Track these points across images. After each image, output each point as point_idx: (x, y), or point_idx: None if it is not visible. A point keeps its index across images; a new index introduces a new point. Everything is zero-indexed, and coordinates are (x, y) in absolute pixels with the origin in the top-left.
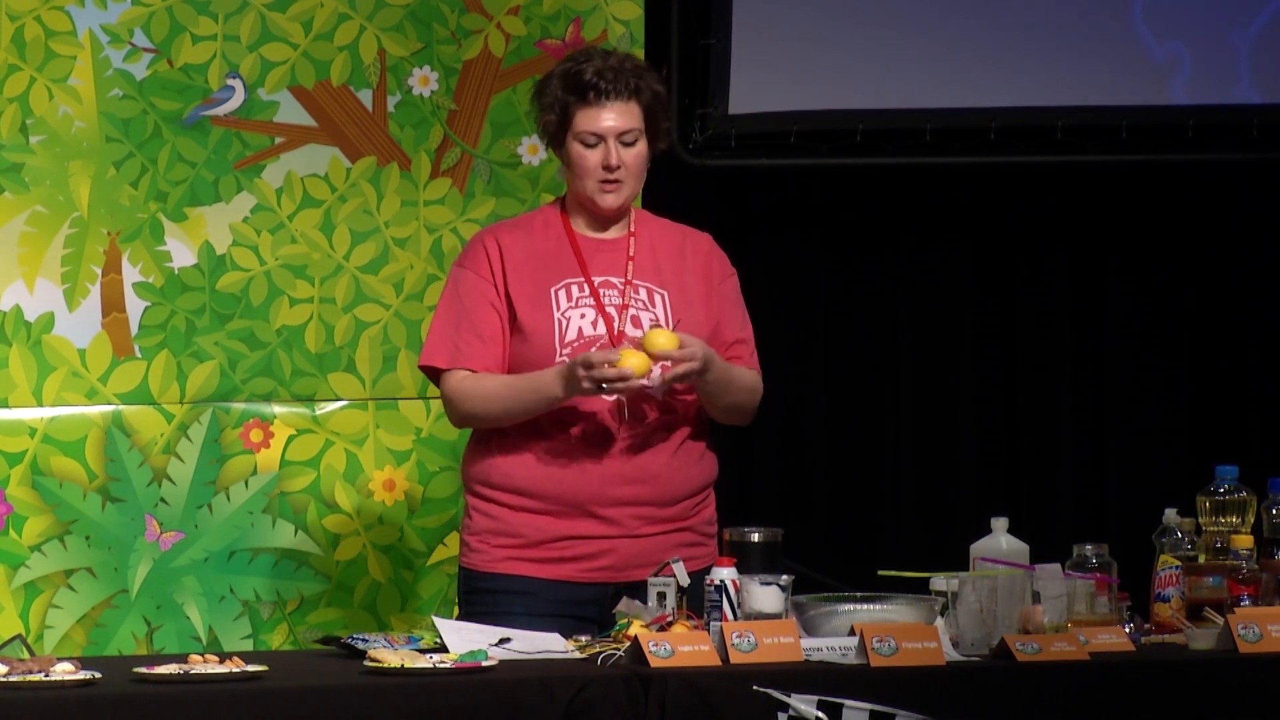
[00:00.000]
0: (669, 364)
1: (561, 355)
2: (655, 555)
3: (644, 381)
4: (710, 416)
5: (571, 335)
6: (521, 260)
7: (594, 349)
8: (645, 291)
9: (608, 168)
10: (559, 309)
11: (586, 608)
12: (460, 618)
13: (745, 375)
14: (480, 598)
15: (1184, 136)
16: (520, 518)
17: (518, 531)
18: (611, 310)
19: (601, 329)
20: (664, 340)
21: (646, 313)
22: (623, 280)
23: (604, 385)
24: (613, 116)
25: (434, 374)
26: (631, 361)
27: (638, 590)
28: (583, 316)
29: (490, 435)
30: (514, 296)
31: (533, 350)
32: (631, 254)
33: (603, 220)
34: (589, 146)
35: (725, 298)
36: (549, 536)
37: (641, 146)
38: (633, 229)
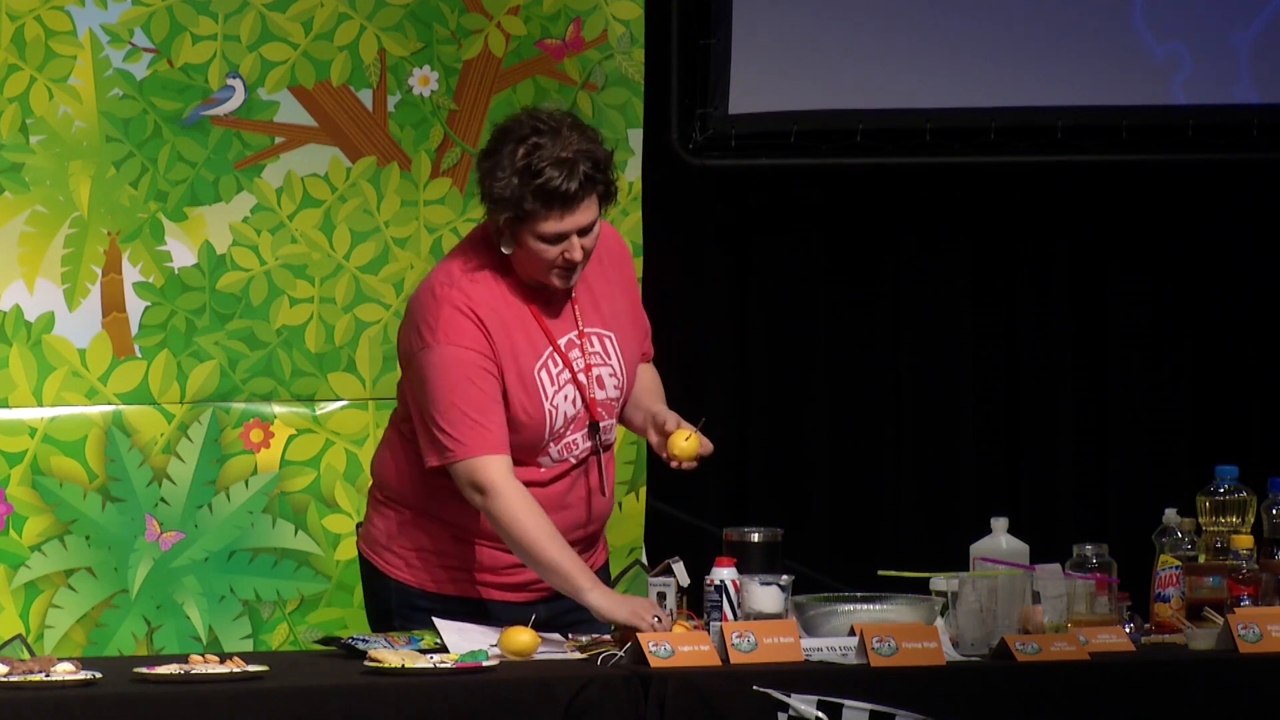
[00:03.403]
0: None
1: (547, 443)
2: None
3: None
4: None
5: (559, 425)
6: (500, 334)
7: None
8: (597, 340)
9: (569, 261)
10: (547, 398)
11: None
12: (393, 627)
13: (661, 389)
14: (422, 617)
15: (1184, 136)
16: (472, 548)
17: (465, 556)
18: (582, 377)
19: (579, 405)
20: (688, 446)
21: (605, 367)
22: (577, 333)
23: (649, 624)
24: (576, 219)
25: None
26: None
27: (567, 603)
28: (565, 399)
29: (431, 472)
30: (508, 385)
31: (521, 439)
32: (573, 296)
33: None
34: (549, 244)
35: (637, 296)
36: (500, 564)
37: (598, 228)
38: None
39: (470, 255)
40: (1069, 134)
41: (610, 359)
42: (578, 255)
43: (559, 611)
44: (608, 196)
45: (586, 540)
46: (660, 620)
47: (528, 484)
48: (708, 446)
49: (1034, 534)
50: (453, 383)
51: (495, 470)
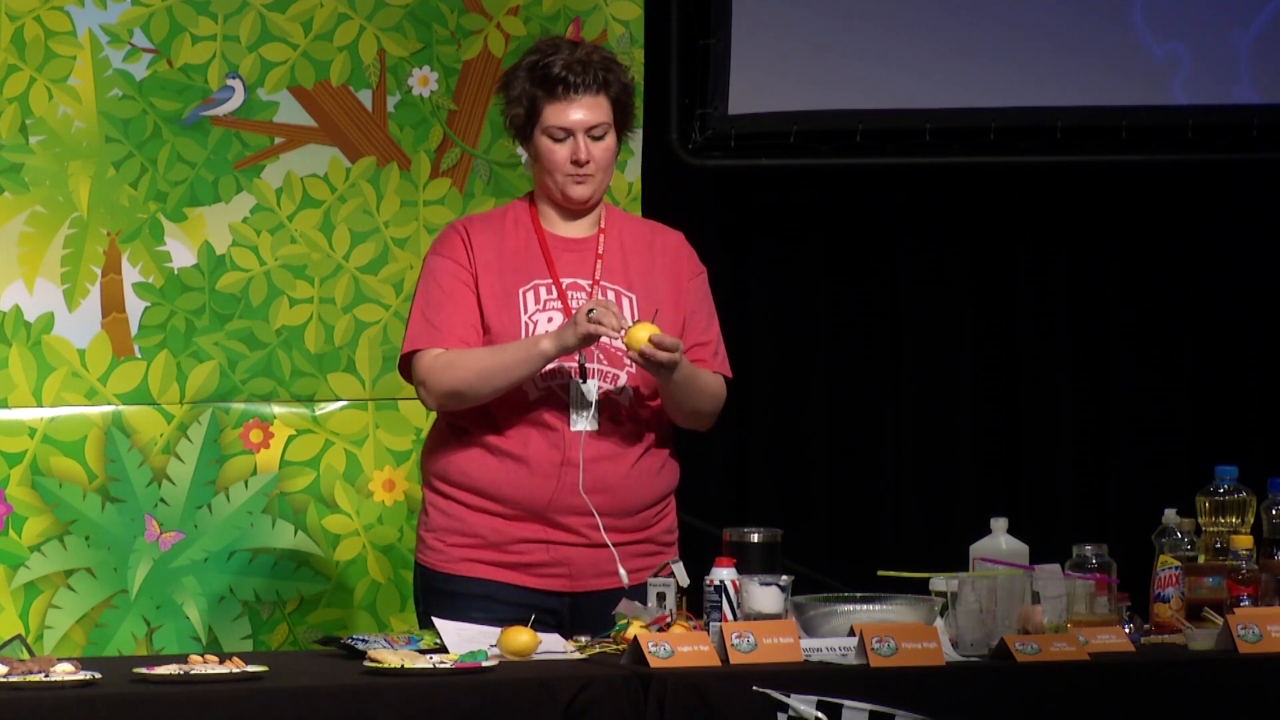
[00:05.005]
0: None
1: None
2: (612, 564)
3: (612, 338)
4: (671, 419)
5: None
6: (491, 258)
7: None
8: (613, 295)
9: (577, 162)
10: (526, 311)
11: (544, 615)
12: (420, 616)
13: (708, 379)
14: (438, 598)
15: (1184, 136)
16: (477, 517)
17: (475, 531)
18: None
19: None
20: (636, 331)
21: None
22: (590, 281)
23: (591, 320)
24: (582, 111)
25: (408, 363)
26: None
27: (595, 600)
28: (550, 320)
29: (451, 432)
30: (483, 294)
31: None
32: (600, 252)
33: (572, 215)
34: (557, 141)
35: (691, 297)
36: (506, 539)
37: (610, 140)
38: (602, 225)
39: (508, 204)
40: (1069, 134)
41: (622, 313)
42: (583, 155)
43: (569, 609)
44: (624, 114)
45: (615, 521)
46: (600, 314)
47: (513, 404)
48: (666, 339)
49: (1034, 534)
50: (424, 286)
51: (426, 355)
